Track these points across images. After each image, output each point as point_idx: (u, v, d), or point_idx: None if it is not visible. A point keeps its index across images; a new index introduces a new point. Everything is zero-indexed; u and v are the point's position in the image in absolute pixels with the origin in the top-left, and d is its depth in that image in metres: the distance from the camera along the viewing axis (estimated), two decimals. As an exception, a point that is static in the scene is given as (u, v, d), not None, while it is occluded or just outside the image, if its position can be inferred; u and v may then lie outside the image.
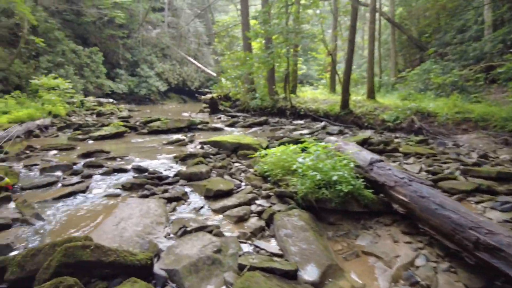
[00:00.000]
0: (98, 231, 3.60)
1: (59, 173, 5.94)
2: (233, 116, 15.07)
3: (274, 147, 7.09)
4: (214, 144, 7.33)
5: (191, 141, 8.63)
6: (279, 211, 3.97)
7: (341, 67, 18.62)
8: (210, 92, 18.38)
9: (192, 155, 6.54)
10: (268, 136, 9.23)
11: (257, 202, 4.35)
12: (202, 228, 3.56)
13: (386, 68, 26.27)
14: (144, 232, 3.50)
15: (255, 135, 10.10)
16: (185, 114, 18.23)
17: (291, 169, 4.72)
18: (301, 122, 13.03)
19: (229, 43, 20.37)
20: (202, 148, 7.69)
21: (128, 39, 30.86)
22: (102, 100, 18.11)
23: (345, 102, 13.03)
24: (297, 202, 4.13)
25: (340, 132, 10.59)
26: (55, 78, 15.37)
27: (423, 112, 12.63)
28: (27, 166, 6.36)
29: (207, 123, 12.23)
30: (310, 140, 6.07)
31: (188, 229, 3.53)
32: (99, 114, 16.59)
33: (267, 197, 4.49)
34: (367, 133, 10.43)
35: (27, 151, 7.69)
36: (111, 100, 20.00)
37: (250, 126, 12.08)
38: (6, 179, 4.72)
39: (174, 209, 4.29)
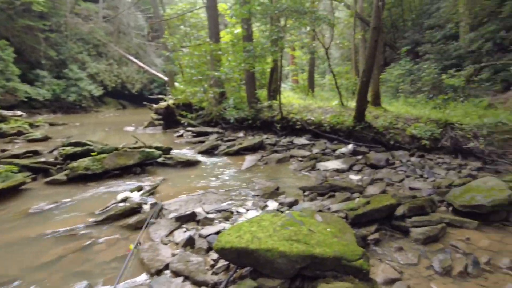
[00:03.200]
0: None
1: None
2: (200, 134, 10.51)
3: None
4: (235, 254, 2.71)
5: (157, 213, 4.03)
6: None
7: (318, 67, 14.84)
8: (163, 99, 13.41)
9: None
10: (302, 187, 5.00)
11: None
12: None
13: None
14: None
15: (259, 174, 5.83)
16: (129, 128, 13.20)
17: None
18: (305, 141, 8.96)
19: (185, 36, 15.63)
20: (198, 250, 3.21)
21: (51, 33, 24.33)
22: (4, 112, 12.20)
23: (361, 113, 9.26)
24: None
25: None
26: None
27: (452, 123, 9.37)
28: None
29: (169, 150, 7.63)
30: None
31: None
32: (-2, 135, 10.90)
33: None
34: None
35: None
36: (19, 112, 13.96)
37: (239, 153, 7.71)
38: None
39: None
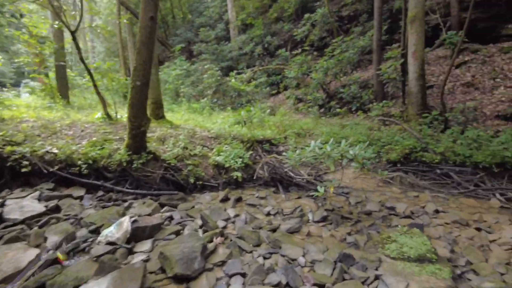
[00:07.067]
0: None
1: None
2: None
3: None
4: None
5: None
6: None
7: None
8: None
9: None
10: None
11: None
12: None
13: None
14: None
15: None
16: None
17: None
18: (37, 206, 4.36)
19: None
20: None
21: None
22: None
23: (139, 138, 5.52)
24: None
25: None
26: None
27: (259, 140, 7.25)
28: None
29: None
30: None
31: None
32: None
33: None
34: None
35: None
36: None
37: None
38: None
39: None
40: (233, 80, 11.91)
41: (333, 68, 11.58)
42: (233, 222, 4.35)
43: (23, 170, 5.20)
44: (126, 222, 3.54)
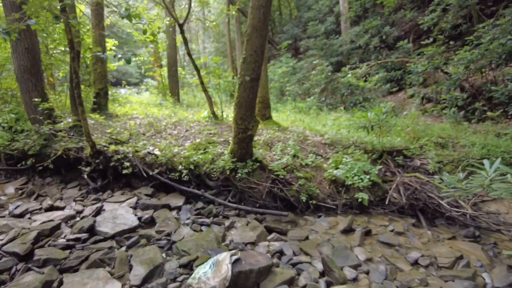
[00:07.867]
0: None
1: None
2: None
3: None
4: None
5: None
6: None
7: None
8: None
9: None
10: None
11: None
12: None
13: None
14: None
15: None
16: None
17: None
18: (131, 217, 3.83)
19: None
20: None
21: None
22: None
23: (245, 143, 4.65)
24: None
25: None
26: None
27: (391, 150, 5.66)
28: None
29: None
30: None
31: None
32: None
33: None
34: None
35: None
36: None
37: None
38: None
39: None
40: (349, 75, 10.38)
41: (479, 60, 9.07)
42: (367, 273, 3.04)
43: (124, 171, 4.82)
44: (225, 264, 2.58)
